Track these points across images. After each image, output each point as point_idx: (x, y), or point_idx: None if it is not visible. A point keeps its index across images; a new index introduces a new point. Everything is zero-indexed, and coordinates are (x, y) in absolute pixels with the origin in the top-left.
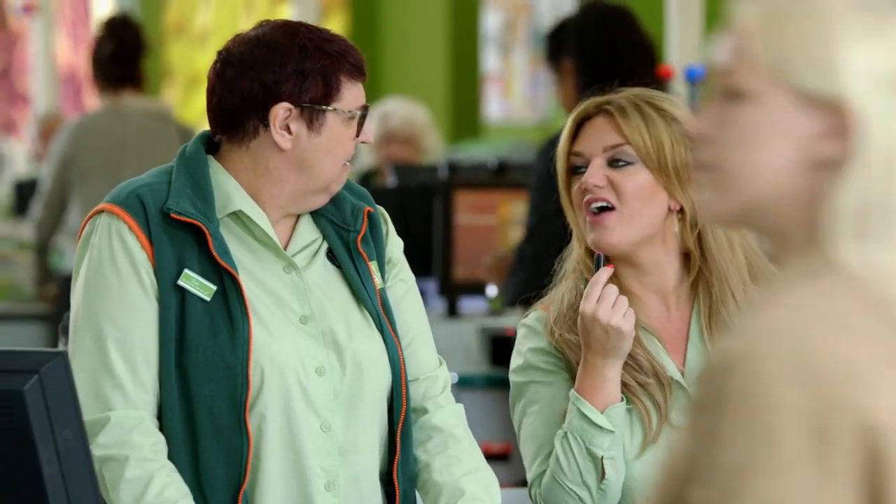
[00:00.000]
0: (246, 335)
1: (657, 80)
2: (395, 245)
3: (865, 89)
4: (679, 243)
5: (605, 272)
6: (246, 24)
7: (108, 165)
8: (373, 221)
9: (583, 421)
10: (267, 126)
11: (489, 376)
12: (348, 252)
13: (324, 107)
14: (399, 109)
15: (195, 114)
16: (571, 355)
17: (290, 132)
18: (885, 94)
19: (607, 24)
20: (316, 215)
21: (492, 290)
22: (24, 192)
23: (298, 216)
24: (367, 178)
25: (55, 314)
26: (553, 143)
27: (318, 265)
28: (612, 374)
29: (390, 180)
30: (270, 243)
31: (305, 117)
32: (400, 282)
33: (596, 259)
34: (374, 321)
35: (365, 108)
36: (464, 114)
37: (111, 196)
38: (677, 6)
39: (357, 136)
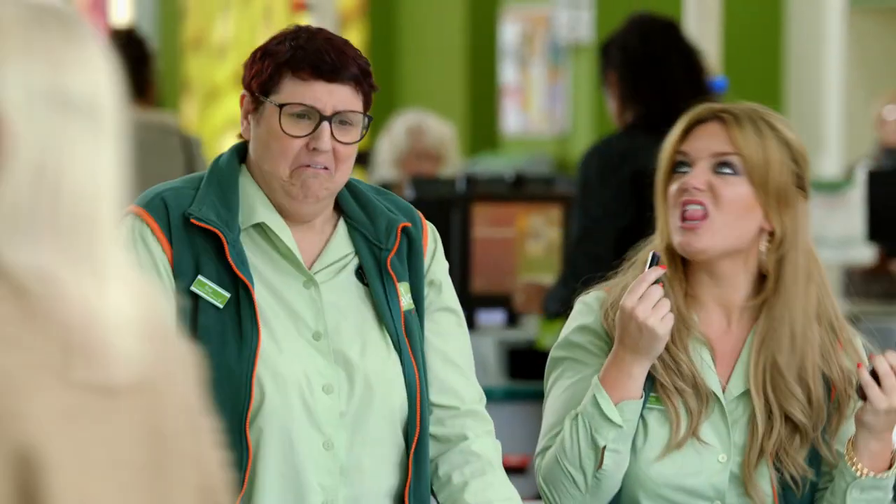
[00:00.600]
0: (254, 347)
1: (702, 89)
2: (440, 267)
3: (18, 101)
4: (758, 263)
5: (655, 272)
6: (264, 37)
7: None
8: (410, 239)
9: (595, 409)
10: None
11: (507, 389)
12: (378, 270)
13: (262, 96)
14: (434, 127)
15: (214, 127)
16: None
17: (248, 121)
18: (39, 106)
19: (648, 36)
20: (352, 229)
21: (531, 317)
22: None
23: (334, 229)
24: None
25: None
26: (596, 150)
27: (342, 282)
28: (638, 371)
29: (407, 193)
30: (291, 257)
31: (254, 105)
32: (449, 311)
33: (651, 257)
34: (392, 342)
35: (318, 111)
36: (481, 126)
37: (139, 198)
38: (695, 16)
39: (307, 134)
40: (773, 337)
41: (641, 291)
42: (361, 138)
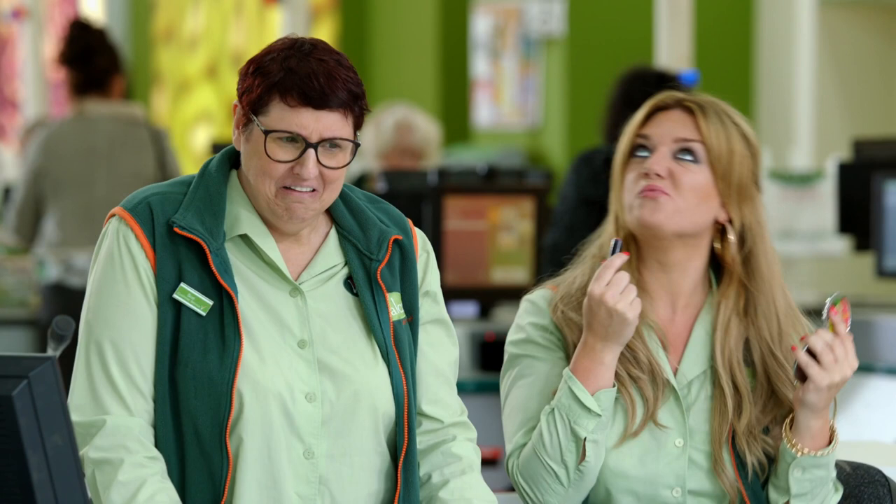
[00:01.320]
0: (235, 356)
1: None
2: (434, 277)
3: None
4: (707, 254)
5: (620, 258)
6: (236, 30)
7: (79, 175)
8: (403, 250)
9: (572, 400)
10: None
11: (479, 381)
12: (368, 281)
13: (251, 115)
14: (421, 125)
15: (185, 119)
16: (570, 335)
17: (238, 132)
18: None
19: (649, 89)
20: (343, 239)
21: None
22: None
23: (324, 239)
24: (359, 183)
25: (42, 320)
26: (587, 158)
27: (330, 291)
28: (609, 358)
29: (380, 185)
30: (276, 267)
31: (244, 121)
32: (440, 322)
33: (613, 244)
34: (381, 353)
35: (304, 139)
36: (453, 119)
37: (126, 201)
38: (666, 11)
39: (292, 160)
40: (763, 326)
41: (608, 278)
42: (349, 163)
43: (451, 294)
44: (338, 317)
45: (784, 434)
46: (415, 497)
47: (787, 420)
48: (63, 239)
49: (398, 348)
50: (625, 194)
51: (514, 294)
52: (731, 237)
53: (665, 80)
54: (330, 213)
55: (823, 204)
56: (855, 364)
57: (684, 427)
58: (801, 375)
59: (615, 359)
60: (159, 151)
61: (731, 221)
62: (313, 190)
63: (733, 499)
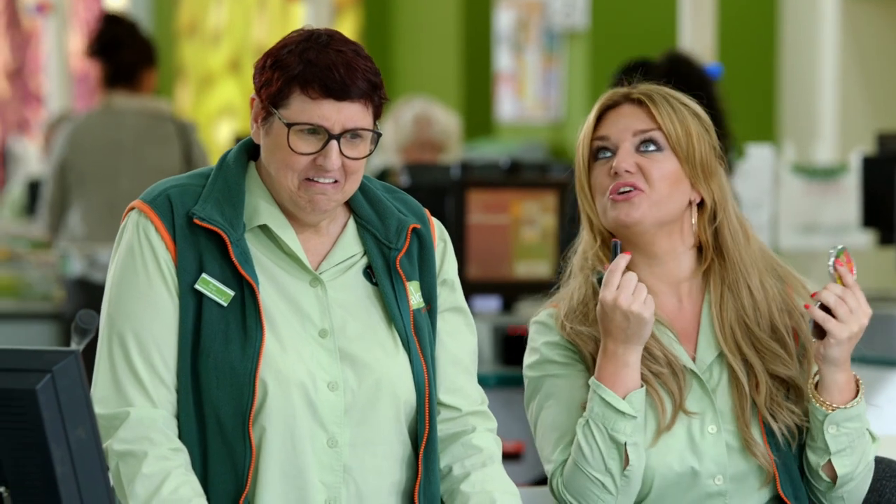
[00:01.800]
0: (258, 345)
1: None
2: (451, 265)
3: None
4: (693, 235)
5: (624, 258)
6: (259, 24)
7: (104, 168)
8: (421, 239)
9: (605, 407)
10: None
11: (502, 375)
12: (387, 270)
13: (271, 108)
14: (441, 118)
15: (208, 113)
16: (584, 347)
17: (258, 125)
18: None
19: (690, 78)
20: (361, 229)
21: None
22: (37, 191)
23: (343, 229)
24: (381, 178)
25: (66, 313)
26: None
27: (350, 280)
28: (633, 359)
29: (403, 179)
30: (296, 257)
31: (263, 114)
32: (458, 311)
33: (613, 246)
34: (402, 341)
35: (327, 130)
36: (476, 113)
37: (145, 193)
38: (690, 4)
39: (315, 151)
40: (735, 301)
41: (617, 281)
42: (371, 153)
43: (474, 288)
44: (357, 306)
45: (811, 394)
46: (435, 486)
47: (812, 379)
48: (87, 233)
49: (418, 337)
50: (596, 198)
51: (536, 288)
52: (693, 220)
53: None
54: (348, 203)
55: (847, 198)
56: (869, 311)
57: (714, 411)
58: (820, 332)
59: (639, 359)
60: (186, 145)
61: (702, 201)
62: (335, 181)
63: (770, 473)
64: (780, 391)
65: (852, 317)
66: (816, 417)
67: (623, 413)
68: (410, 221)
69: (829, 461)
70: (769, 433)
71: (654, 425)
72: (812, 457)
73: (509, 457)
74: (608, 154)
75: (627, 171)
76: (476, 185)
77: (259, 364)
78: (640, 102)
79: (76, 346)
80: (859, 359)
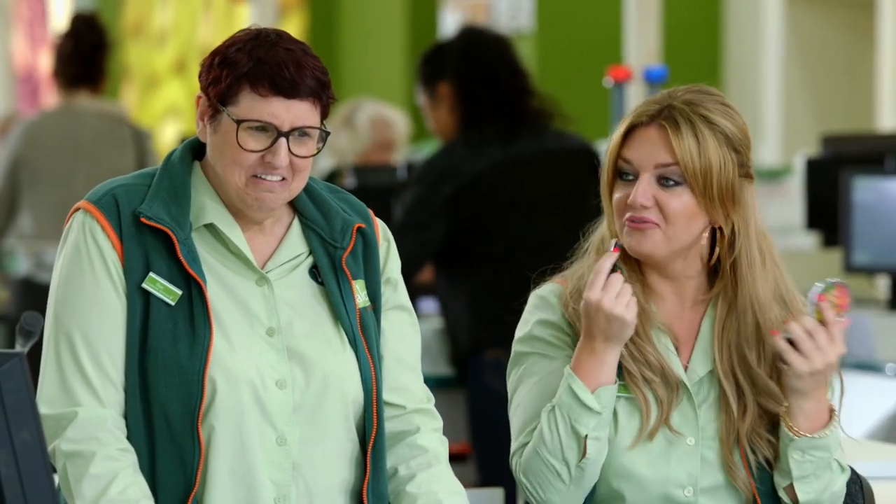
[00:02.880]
0: (206, 344)
1: (531, 109)
2: (395, 264)
3: None
4: (708, 256)
5: (610, 258)
6: (204, 25)
7: (59, 168)
8: (365, 238)
9: (572, 398)
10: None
11: (447, 377)
12: (333, 269)
13: (219, 105)
14: (398, 120)
15: (153, 114)
16: (581, 328)
17: (204, 123)
18: None
19: (486, 49)
20: (306, 228)
21: None
22: None
23: (288, 228)
24: (330, 179)
25: (11, 315)
26: (426, 165)
27: (296, 280)
28: (611, 357)
29: (349, 181)
30: (242, 256)
31: (210, 112)
32: (401, 308)
33: (613, 244)
34: (349, 340)
35: (276, 128)
36: (422, 115)
37: (90, 193)
38: (635, 6)
39: (264, 149)
40: (739, 327)
41: (601, 282)
42: (318, 151)
43: (420, 289)
44: (304, 305)
45: (782, 417)
46: (383, 484)
47: (785, 404)
48: (37, 232)
49: (365, 335)
50: (615, 211)
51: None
52: (704, 241)
53: (503, 44)
54: (293, 203)
55: (792, 199)
56: (841, 351)
57: (696, 426)
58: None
59: (616, 357)
60: (140, 152)
61: (721, 228)
62: (283, 179)
63: (749, 497)
64: (764, 422)
65: (817, 353)
66: (784, 441)
67: (588, 407)
68: (355, 221)
69: (792, 485)
70: (756, 462)
71: (637, 429)
72: (777, 477)
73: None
74: (629, 177)
75: (643, 206)
76: None
77: (208, 362)
78: (665, 129)
79: (21, 348)
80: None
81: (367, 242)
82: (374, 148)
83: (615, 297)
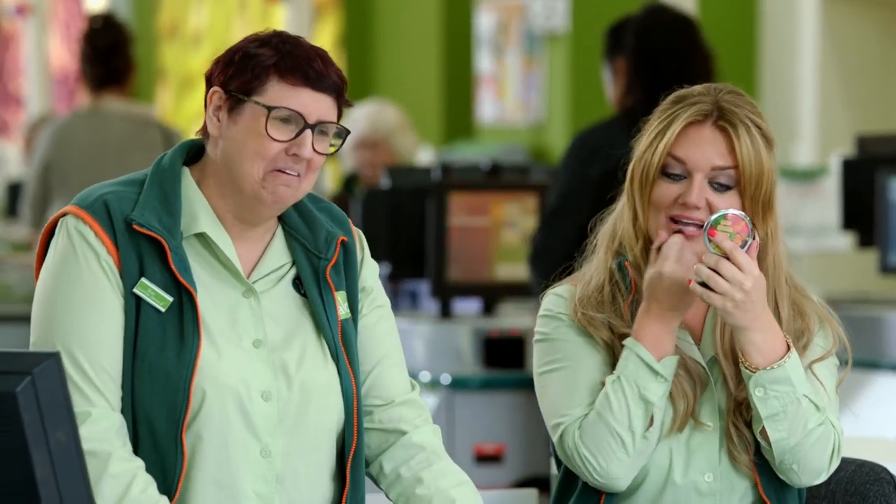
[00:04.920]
0: (193, 353)
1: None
2: (370, 272)
3: None
4: None
5: (678, 237)
6: (239, 26)
7: (88, 169)
8: (347, 251)
9: (640, 365)
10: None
11: (482, 378)
12: (316, 280)
13: (244, 96)
14: (364, 115)
15: (188, 116)
16: (597, 333)
17: (219, 119)
18: None
19: (671, 30)
20: (290, 238)
21: None
22: (17, 193)
23: (272, 237)
24: (348, 183)
25: None
26: (575, 141)
27: (281, 291)
28: (675, 326)
29: (384, 182)
30: (232, 268)
31: (230, 104)
32: (376, 308)
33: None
34: (330, 352)
35: (303, 118)
36: (457, 115)
37: (77, 199)
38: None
39: (288, 139)
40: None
41: (675, 254)
42: (336, 150)
43: (455, 290)
44: (288, 317)
45: (739, 358)
46: (360, 496)
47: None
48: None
49: (346, 347)
50: (652, 208)
51: (517, 290)
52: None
53: (688, 28)
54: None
55: (827, 200)
56: (754, 273)
57: (715, 411)
58: None
59: (676, 325)
60: None
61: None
62: (298, 175)
63: (748, 472)
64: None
65: (731, 287)
66: (746, 382)
67: (657, 373)
68: (339, 233)
69: (763, 430)
70: (752, 434)
71: (668, 424)
72: (753, 424)
73: (490, 459)
74: (679, 176)
75: (696, 207)
76: (457, 187)
77: (195, 372)
78: (725, 131)
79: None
80: (844, 361)
81: (348, 254)
82: (352, 146)
83: (675, 262)
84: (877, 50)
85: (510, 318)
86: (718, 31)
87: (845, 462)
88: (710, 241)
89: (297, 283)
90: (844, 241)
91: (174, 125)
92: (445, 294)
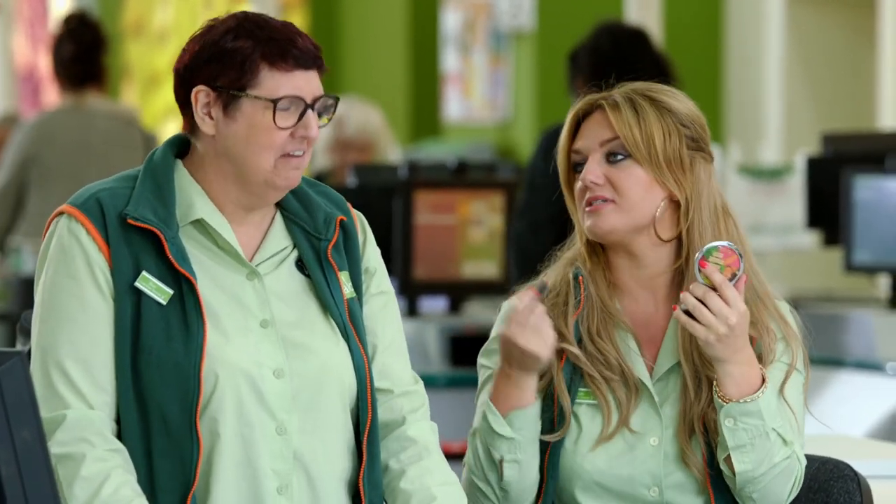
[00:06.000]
0: (200, 340)
1: None
2: (373, 254)
3: None
4: (671, 230)
5: (526, 296)
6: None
7: (71, 166)
8: (346, 231)
9: (486, 424)
10: (194, 113)
11: (449, 376)
12: (318, 261)
13: (236, 92)
14: (354, 116)
15: (154, 114)
16: None
17: (211, 118)
18: None
19: (620, 43)
20: (289, 222)
21: None
22: None
23: (271, 222)
24: (321, 180)
25: (13, 314)
26: (548, 131)
27: (284, 273)
28: (526, 382)
29: (350, 180)
30: (232, 251)
31: (222, 102)
32: (381, 294)
33: (539, 287)
34: (339, 330)
35: (294, 99)
36: (423, 113)
37: (72, 198)
38: (636, 6)
39: (294, 124)
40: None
41: (522, 319)
42: (329, 121)
43: (422, 288)
44: (294, 297)
45: (714, 386)
46: (378, 473)
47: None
48: (44, 229)
49: (354, 325)
50: (578, 209)
51: (484, 288)
52: (664, 214)
53: (637, 39)
54: None
55: (793, 198)
56: (741, 310)
57: (660, 426)
58: None
59: (533, 382)
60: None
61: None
62: (302, 154)
63: (702, 481)
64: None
65: (716, 319)
66: (717, 410)
67: (500, 434)
68: (337, 213)
69: (728, 458)
70: (708, 448)
71: (598, 431)
72: (719, 449)
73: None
74: (582, 167)
75: (595, 184)
76: (423, 185)
77: (203, 358)
78: (605, 109)
79: (22, 346)
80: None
81: (348, 234)
82: (337, 146)
83: (532, 333)
84: (842, 49)
85: (477, 316)
86: (683, 32)
87: (809, 459)
88: (700, 271)
89: (300, 266)
90: (810, 240)
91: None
92: (412, 292)
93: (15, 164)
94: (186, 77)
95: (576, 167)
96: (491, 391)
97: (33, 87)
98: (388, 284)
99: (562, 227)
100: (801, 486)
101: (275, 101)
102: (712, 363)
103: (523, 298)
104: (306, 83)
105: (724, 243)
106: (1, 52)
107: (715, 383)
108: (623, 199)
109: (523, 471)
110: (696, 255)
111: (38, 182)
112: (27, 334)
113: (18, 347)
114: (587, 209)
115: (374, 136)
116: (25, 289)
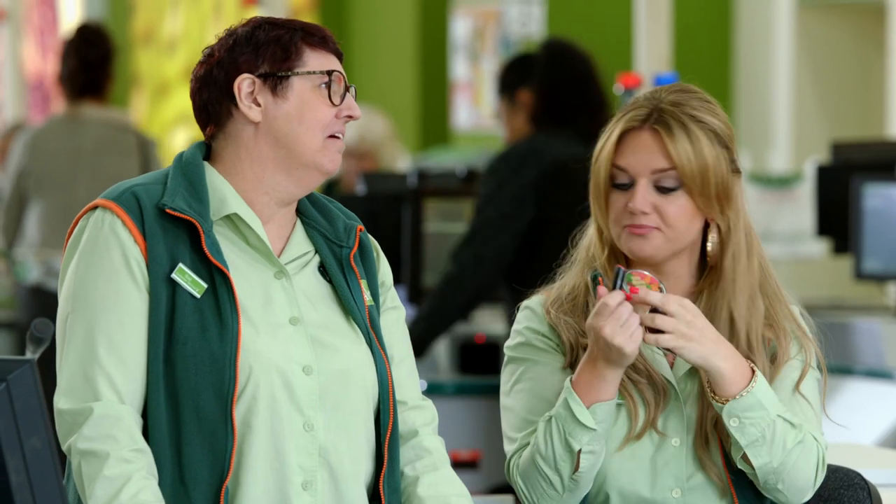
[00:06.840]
0: (235, 331)
1: (606, 121)
2: (386, 270)
3: None
4: (700, 251)
5: (618, 296)
6: (214, 31)
7: (61, 174)
8: (363, 243)
9: (567, 412)
10: (237, 104)
11: (458, 384)
12: (340, 267)
13: (284, 72)
14: (353, 124)
15: (164, 121)
16: (566, 335)
17: (258, 104)
18: None
19: (572, 61)
20: (309, 228)
21: None
22: None
23: (293, 228)
24: (329, 187)
25: (21, 322)
26: (499, 156)
27: (309, 276)
28: (611, 375)
29: (359, 188)
30: (263, 248)
31: (269, 85)
32: (394, 309)
33: (616, 272)
34: (362, 334)
35: (339, 75)
36: (433, 121)
37: (106, 193)
38: (645, 13)
39: (335, 103)
40: (714, 317)
41: (608, 312)
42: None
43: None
44: (321, 300)
45: (707, 390)
46: (396, 477)
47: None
48: (42, 239)
49: (375, 331)
50: (611, 219)
51: (492, 297)
52: (711, 241)
53: (586, 61)
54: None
55: (802, 206)
56: (689, 305)
57: (682, 426)
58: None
59: (618, 376)
60: (144, 160)
61: (719, 226)
62: (342, 136)
63: (723, 486)
64: None
65: (676, 322)
66: (721, 414)
67: (582, 424)
68: (356, 223)
69: (744, 456)
70: (726, 451)
71: (625, 431)
72: (733, 451)
73: (465, 465)
74: (626, 185)
75: (643, 213)
76: (432, 193)
77: (238, 349)
78: (658, 133)
79: (31, 354)
80: (818, 367)
81: (365, 247)
82: (344, 157)
83: (620, 326)
84: (851, 56)
85: (485, 324)
86: (693, 40)
87: None
88: (637, 300)
89: (322, 272)
90: (819, 248)
91: (149, 132)
92: (421, 300)
93: (13, 178)
94: (219, 75)
95: (615, 179)
96: (572, 380)
97: (43, 95)
98: (399, 302)
99: (506, 268)
100: (826, 467)
101: (329, 73)
102: (699, 369)
103: (614, 296)
104: (338, 65)
105: (622, 268)
106: (11, 61)
107: (708, 389)
108: (670, 228)
109: (595, 463)
110: (616, 285)
111: (34, 194)
112: (37, 342)
113: (28, 356)
114: (629, 229)
115: (373, 144)
116: (33, 298)
